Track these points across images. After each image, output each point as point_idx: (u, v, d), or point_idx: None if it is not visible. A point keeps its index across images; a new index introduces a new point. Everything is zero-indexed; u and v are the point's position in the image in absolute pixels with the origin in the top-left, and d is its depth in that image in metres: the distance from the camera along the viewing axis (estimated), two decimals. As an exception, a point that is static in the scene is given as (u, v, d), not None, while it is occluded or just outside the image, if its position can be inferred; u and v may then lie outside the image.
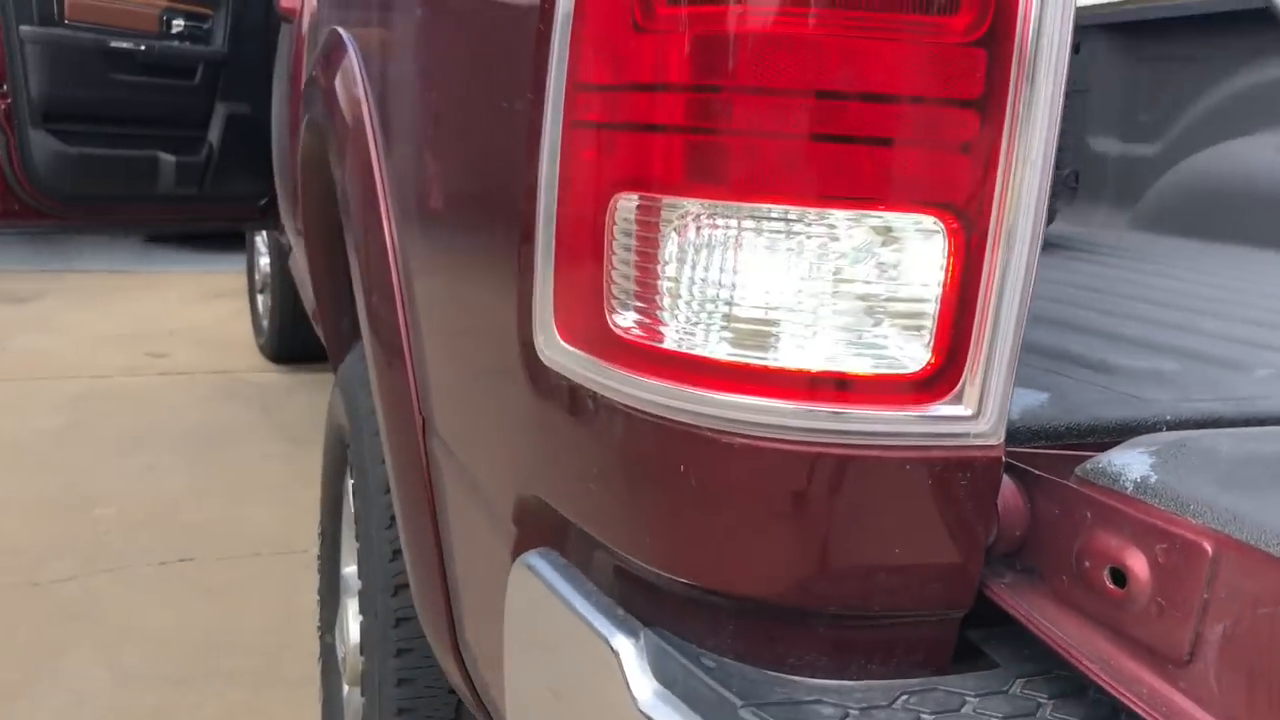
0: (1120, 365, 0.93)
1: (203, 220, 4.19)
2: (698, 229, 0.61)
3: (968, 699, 0.63)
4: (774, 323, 0.61)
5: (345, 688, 1.96)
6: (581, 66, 0.64)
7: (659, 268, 0.63)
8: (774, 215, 0.58)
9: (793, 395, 0.61)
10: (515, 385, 0.80)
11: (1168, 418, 0.77)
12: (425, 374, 1.16)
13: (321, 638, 2.12)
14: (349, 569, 2.04)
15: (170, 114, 3.85)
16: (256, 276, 5.06)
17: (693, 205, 0.61)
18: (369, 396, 1.61)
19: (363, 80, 1.31)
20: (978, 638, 0.69)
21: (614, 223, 0.64)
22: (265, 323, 4.90)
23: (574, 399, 0.71)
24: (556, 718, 0.76)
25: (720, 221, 0.60)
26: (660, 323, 0.64)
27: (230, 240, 6.57)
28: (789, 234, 0.59)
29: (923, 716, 0.61)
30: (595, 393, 0.68)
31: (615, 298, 0.65)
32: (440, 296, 1.08)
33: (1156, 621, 0.58)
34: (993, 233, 0.58)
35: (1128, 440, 0.70)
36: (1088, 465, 0.65)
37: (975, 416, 0.61)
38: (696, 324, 0.63)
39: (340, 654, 1.88)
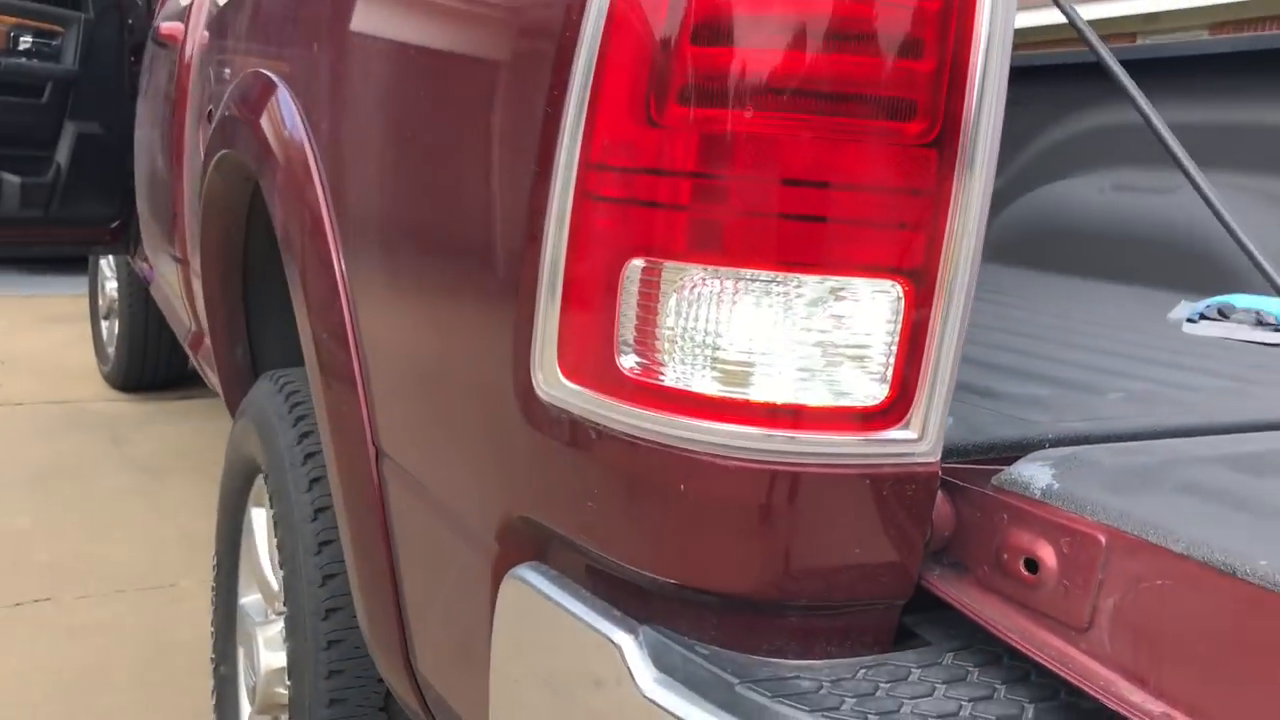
0: (1003, 391, 1.11)
1: (50, 242, 4.02)
2: (693, 288, 0.74)
3: (912, 670, 0.78)
4: (757, 365, 0.74)
5: (245, 715, 1.97)
6: (595, 148, 0.76)
7: (660, 319, 0.75)
8: (764, 279, 0.71)
9: (774, 424, 0.74)
10: (504, 416, 0.90)
11: (1049, 437, 0.94)
12: (376, 405, 1.23)
13: (216, 668, 2.12)
14: (248, 599, 2.05)
15: (15, 133, 3.71)
16: (101, 301, 4.87)
17: (692, 269, 0.73)
18: (290, 428, 1.65)
19: (304, 124, 1.37)
20: (911, 622, 0.84)
21: (623, 280, 0.75)
22: (111, 350, 4.72)
23: (575, 430, 0.82)
24: (551, 717, 0.86)
25: (713, 283, 0.73)
26: (659, 364, 0.76)
27: (62, 263, 6.25)
28: (771, 294, 0.72)
29: (880, 685, 0.75)
30: (599, 424, 0.79)
31: (620, 343, 0.77)
32: (400, 335, 1.16)
33: (1062, 599, 0.73)
34: (937, 292, 0.73)
35: (1025, 456, 0.86)
36: (1002, 476, 0.81)
37: (920, 439, 0.75)
38: (689, 365, 0.75)
39: (248, 683, 1.89)
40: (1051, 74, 3.08)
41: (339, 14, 1.37)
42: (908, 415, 0.75)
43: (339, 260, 1.28)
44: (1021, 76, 3.17)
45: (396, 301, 1.16)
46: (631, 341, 0.77)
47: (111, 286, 4.67)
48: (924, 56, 0.69)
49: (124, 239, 3.99)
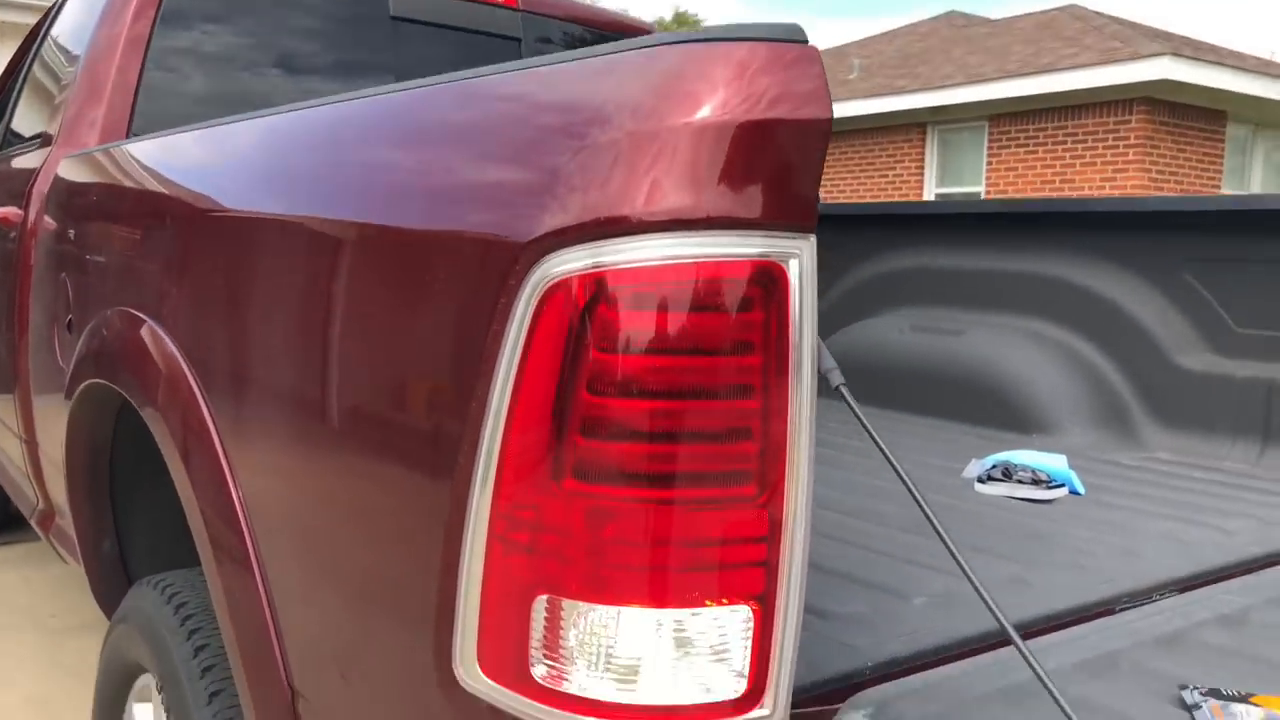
0: (830, 610, 1.34)
1: None
2: (588, 619, 0.93)
3: None
4: (641, 675, 0.94)
5: None
6: (503, 502, 0.95)
7: (563, 640, 0.94)
8: (642, 611, 0.92)
9: None
10: (428, 693, 1.07)
11: (869, 664, 1.18)
12: (289, 651, 1.36)
13: None
14: (129, 796, 2.08)
15: None
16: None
17: (583, 605, 0.93)
18: (184, 641, 1.74)
19: (200, 390, 1.50)
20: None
21: (532, 612, 0.94)
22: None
23: (496, 717, 0.99)
24: None
25: (605, 616, 0.93)
26: (564, 674, 0.95)
27: None
28: (649, 622, 0.92)
29: None
30: (517, 718, 0.97)
31: (532, 657, 0.96)
32: (310, 592, 1.30)
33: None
34: (778, 607, 0.95)
35: (850, 699, 1.09)
36: (834, 729, 1.04)
37: (772, 714, 0.97)
38: (589, 675, 0.94)
39: None
40: (857, 221, 3.47)
41: (209, 257, 1.52)
42: (762, 699, 0.96)
43: (243, 515, 1.41)
44: (832, 223, 3.56)
45: (303, 557, 1.30)
46: (541, 656, 0.95)
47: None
48: (753, 439, 0.92)
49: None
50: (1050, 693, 0.91)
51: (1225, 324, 2.56)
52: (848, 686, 1.15)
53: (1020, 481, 2.03)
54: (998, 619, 0.94)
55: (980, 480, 2.09)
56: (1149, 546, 1.69)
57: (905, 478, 0.99)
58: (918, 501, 0.98)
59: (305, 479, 1.27)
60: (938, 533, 0.96)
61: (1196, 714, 1.05)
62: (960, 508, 1.93)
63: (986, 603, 0.95)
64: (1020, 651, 0.93)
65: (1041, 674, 0.91)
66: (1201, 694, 1.09)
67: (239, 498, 1.44)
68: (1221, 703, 1.06)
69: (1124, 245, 2.75)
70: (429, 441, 1.05)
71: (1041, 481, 2.03)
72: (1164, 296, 2.67)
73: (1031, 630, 1.31)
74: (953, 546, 0.97)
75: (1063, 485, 2.05)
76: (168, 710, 1.73)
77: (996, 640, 1.29)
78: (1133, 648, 1.25)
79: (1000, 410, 2.80)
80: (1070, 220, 2.87)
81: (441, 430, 1.02)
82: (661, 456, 0.90)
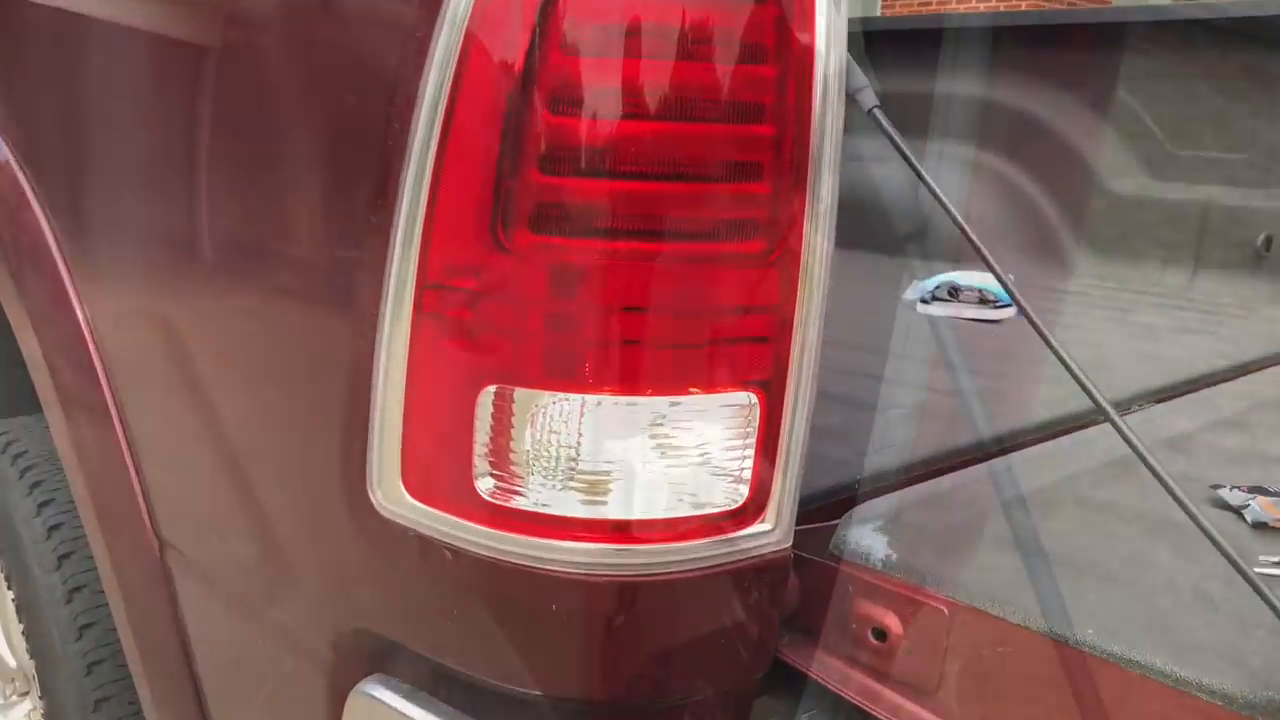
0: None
1: None
2: (547, 413, 0.72)
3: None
4: (616, 484, 0.73)
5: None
6: (432, 269, 0.71)
7: (514, 443, 0.73)
8: (619, 402, 0.71)
9: (637, 540, 0.74)
10: (331, 526, 0.85)
11: (858, 478, 1.01)
12: (153, 492, 1.12)
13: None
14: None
15: None
16: None
17: (544, 396, 0.71)
18: (24, 497, 1.47)
19: (33, 192, 1.19)
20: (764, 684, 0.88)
21: (477, 407, 0.72)
22: None
23: (424, 548, 0.78)
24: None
25: (566, 408, 0.71)
26: (516, 486, 0.74)
27: None
28: (629, 415, 0.71)
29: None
30: (456, 546, 0.76)
31: (476, 467, 0.74)
32: (176, 412, 1.05)
33: (911, 663, 0.79)
34: (788, 398, 0.75)
35: (849, 512, 0.91)
36: (837, 544, 0.86)
37: (775, 529, 0.78)
38: (550, 487, 0.73)
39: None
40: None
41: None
42: (764, 511, 0.77)
43: (86, 320, 1.14)
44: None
45: (168, 374, 1.05)
46: (487, 466, 0.74)
47: None
48: (764, 179, 0.71)
49: None
50: (1151, 468, 0.75)
51: (1161, 145, 2.45)
52: (836, 503, 0.98)
53: (966, 302, 1.89)
54: (1092, 396, 0.77)
55: (924, 300, 1.95)
56: (1118, 360, 1.58)
57: (952, 209, 0.80)
58: (982, 255, 0.80)
59: (176, 255, 1.00)
60: (1013, 297, 0.78)
61: (1245, 512, 0.92)
62: (908, 327, 1.78)
63: (1075, 376, 0.78)
64: (1116, 427, 0.77)
65: (1143, 451, 0.75)
66: (1244, 492, 0.96)
67: (86, 316, 1.16)
68: (1271, 498, 0.94)
69: (1056, 62, 2.59)
70: (335, 188, 0.80)
71: (989, 301, 1.89)
72: (1098, 117, 2.54)
73: (1023, 442, 1.16)
74: (1020, 298, 0.80)
75: (1009, 305, 1.92)
76: (8, 580, 1.48)
77: (989, 451, 1.14)
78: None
79: (925, 240, 2.65)
80: (998, 36, 2.69)
81: (352, 172, 0.78)
82: (646, 197, 0.68)
